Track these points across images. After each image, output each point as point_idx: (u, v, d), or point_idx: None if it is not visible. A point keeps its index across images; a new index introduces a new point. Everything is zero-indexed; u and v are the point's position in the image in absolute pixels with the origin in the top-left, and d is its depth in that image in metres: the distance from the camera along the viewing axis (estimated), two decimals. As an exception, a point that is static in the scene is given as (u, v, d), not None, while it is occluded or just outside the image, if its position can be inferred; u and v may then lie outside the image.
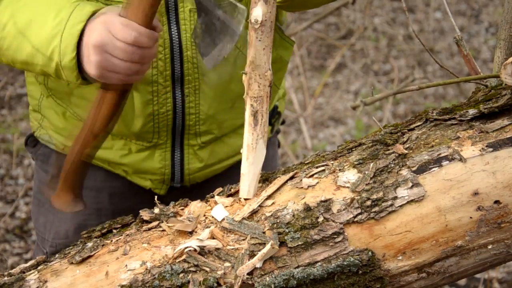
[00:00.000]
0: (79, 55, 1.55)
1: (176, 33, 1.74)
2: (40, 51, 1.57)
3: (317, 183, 1.45)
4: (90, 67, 1.54)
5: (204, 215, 1.47)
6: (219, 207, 1.45)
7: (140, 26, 1.51)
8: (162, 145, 1.86)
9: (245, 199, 1.47)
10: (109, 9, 1.57)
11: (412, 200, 1.40)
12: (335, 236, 1.39)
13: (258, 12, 1.44)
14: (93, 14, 1.55)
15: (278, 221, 1.41)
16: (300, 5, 1.85)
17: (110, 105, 1.61)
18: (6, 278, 1.46)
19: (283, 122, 2.23)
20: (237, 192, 1.52)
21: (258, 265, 1.37)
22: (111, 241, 1.48)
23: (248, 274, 1.38)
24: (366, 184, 1.42)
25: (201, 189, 1.90)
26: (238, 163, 1.98)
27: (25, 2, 1.62)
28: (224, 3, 1.51)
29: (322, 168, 1.48)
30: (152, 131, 1.84)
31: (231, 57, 1.81)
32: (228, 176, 1.98)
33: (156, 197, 1.54)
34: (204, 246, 1.39)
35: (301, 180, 1.47)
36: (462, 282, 3.64)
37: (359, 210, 1.40)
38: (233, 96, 1.85)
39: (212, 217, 1.45)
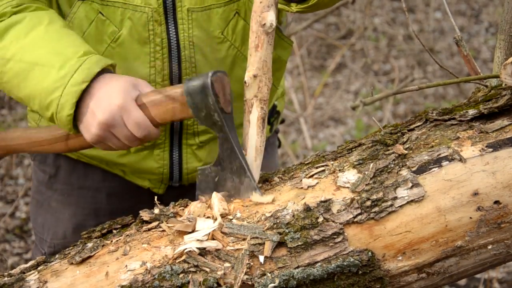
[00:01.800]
0: (76, 109, 1.55)
1: (174, 33, 1.74)
2: (38, 97, 1.57)
3: (317, 183, 1.45)
4: (88, 135, 1.56)
5: (204, 215, 1.47)
6: (201, 221, 1.45)
7: (152, 127, 1.55)
8: (161, 144, 1.86)
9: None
10: (116, 75, 1.57)
11: (412, 201, 1.40)
12: (335, 237, 1.39)
13: (272, 17, 1.45)
14: (101, 72, 1.55)
15: (278, 221, 1.41)
16: (317, 8, 1.85)
17: (77, 146, 1.66)
18: (6, 278, 1.46)
19: (282, 121, 2.23)
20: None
21: None
22: (111, 241, 1.48)
23: (248, 274, 1.38)
24: (366, 185, 1.42)
25: None
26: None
27: (31, 42, 1.60)
28: (246, 179, 1.50)
29: (322, 168, 1.48)
30: None
31: (229, 57, 1.81)
32: None
33: (156, 197, 1.54)
34: (204, 248, 1.39)
35: (301, 180, 1.47)
36: (462, 282, 3.64)
37: (359, 211, 1.40)
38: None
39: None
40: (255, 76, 1.48)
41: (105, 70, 1.57)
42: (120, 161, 1.88)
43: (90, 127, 1.54)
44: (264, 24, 1.46)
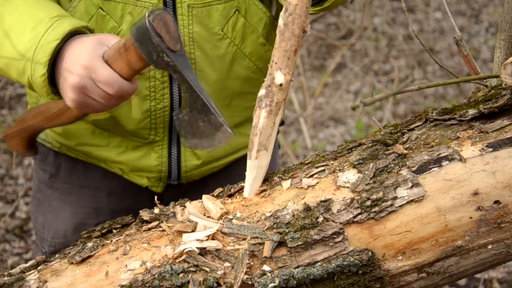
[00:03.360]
0: (53, 72, 1.53)
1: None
2: (14, 63, 1.55)
3: (317, 183, 1.45)
4: (67, 101, 1.54)
5: (204, 214, 1.47)
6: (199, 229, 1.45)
7: (123, 81, 1.50)
8: (159, 142, 1.86)
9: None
10: (88, 35, 1.54)
11: (412, 200, 1.40)
12: (335, 236, 1.40)
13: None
14: (71, 33, 1.53)
15: (278, 221, 1.41)
16: (330, 9, 1.84)
17: (73, 116, 1.64)
18: (6, 278, 1.46)
19: (282, 123, 2.23)
20: (236, 192, 1.52)
21: None
22: (111, 241, 1.48)
23: (248, 274, 1.38)
24: (366, 184, 1.42)
25: (198, 187, 1.90)
26: (236, 161, 1.99)
27: (9, 10, 1.59)
28: (212, 116, 1.47)
29: (322, 168, 1.48)
30: (149, 128, 1.83)
31: (228, 54, 1.81)
32: (226, 174, 1.97)
33: (156, 197, 1.54)
34: (204, 248, 1.39)
35: (301, 180, 1.47)
36: (462, 282, 3.64)
37: (359, 210, 1.40)
38: (230, 94, 1.85)
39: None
40: (291, 80, 1.47)
41: (79, 32, 1.55)
42: (119, 159, 1.88)
43: (66, 92, 1.52)
44: (305, 30, 1.45)
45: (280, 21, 1.45)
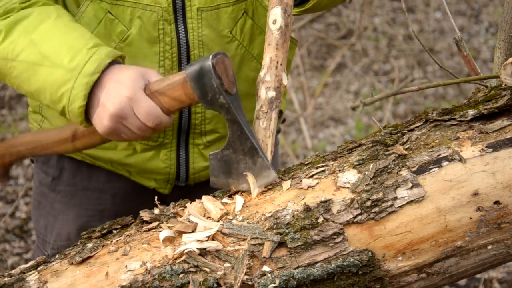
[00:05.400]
0: (88, 102, 1.55)
1: (183, 32, 1.75)
2: (49, 90, 1.57)
3: (317, 183, 1.45)
4: (100, 128, 1.55)
5: (204, 215, 1.47)
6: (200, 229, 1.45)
7: (163, 115, 1.53)
8: (168, 144, 1.86)
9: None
10: (127, 66, 1.56)
11: (412, 201, 1.40)
12: (335, 237, 1.40)
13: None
14: (110, 62, 1.55)
15: (278, 221, 1.41)
16: (313, 11, 1.85)
17: (93, 141, 1.65)
18: (6, 278, 1.46)
19: (283, 121, 2.23)
20: (236, 192, 1.52)
21: None
22: (111, 241, 1.48)
23: (248, 274, 1.38)
24: (366, 185, 1.42)
25: (205, 187, 1.89)
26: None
27: (40, 35, 1.59)
28: (259, 158, 1.50)
29: (322, 168, 1.48)
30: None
31: (237, 56, 1.82)
32: None
33: (156, 197, 1.54)
34: (204, 248, 1.39)
35: (301, 180, 1.47)
36: (462, 282, 3.64)
37: (359, 211, 1.40)
38: (238, 95, 1.85)
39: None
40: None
41: (115, 62, 1.57)
42: (127, 161, 1.88)
43: (102, 119, 1.54)
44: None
45: (281, 22, 1.46)
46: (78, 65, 1.53)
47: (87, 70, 1.53)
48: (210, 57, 1.48)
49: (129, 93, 1.51)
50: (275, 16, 1.52)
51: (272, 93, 1.49)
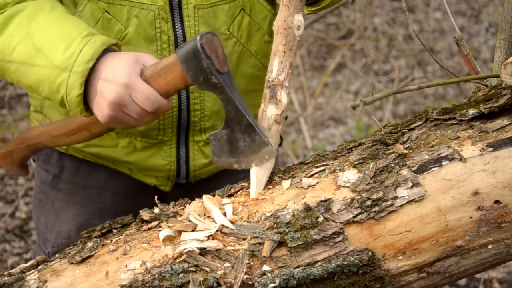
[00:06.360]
0: (86, 91, 1.55)
1: (181, 30, 1.75)
2: (47, 81, 1.57)
3: (317, 183, 1.45)
4: (101, 116, 1.55)
5: (204, 214, 1.47)
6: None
7: (161, 99, 1.53)
8: (167, 142, 1.86)
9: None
10: (120, 52, 1.56)
11: (412, 200, 1.40)
12: (335, 236, 1.39)
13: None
14: (105, 50, 1.55)
15: (278, 221, 1.41)
16: (326, 8, 1.85)
17: (98, 131, 1.65)
18: (6, 278, 1.46)
19: (286, 118, 2.23)
20: (237, 192, 1.52)
21: None
22: (111, 241, 1.48)
23: (248, 274, 1.38)
24: (366, 184, 1.42)
25: (206, 185, 1.90)
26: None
27: (35, 28, 1.60)
28: (256, 136, 1.50)
29: (322, 168, 1.48)
30: (157, 128, 1.84)
31: (235, 53, 1.82)
32: (233, 171, 1.98)
33: (156, 197, 1.54)
34: (204, 248, 1.39)
35: (301, 180, 1.47)
36: (462, 282, 3.64)
37: (359, 210, 1.40)
38: None
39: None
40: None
41: (110, 50, 1.56)
42: (127, 159, 1.88)
43: (102, 108, 1.53)
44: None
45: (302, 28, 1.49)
46: (73, 54, 1.53)
47: (82, 58, 1.52)
48: (198, 38, 1.47)
49: (125, 80, 1.50)
50: (300, 23, 1.51)
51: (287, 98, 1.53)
